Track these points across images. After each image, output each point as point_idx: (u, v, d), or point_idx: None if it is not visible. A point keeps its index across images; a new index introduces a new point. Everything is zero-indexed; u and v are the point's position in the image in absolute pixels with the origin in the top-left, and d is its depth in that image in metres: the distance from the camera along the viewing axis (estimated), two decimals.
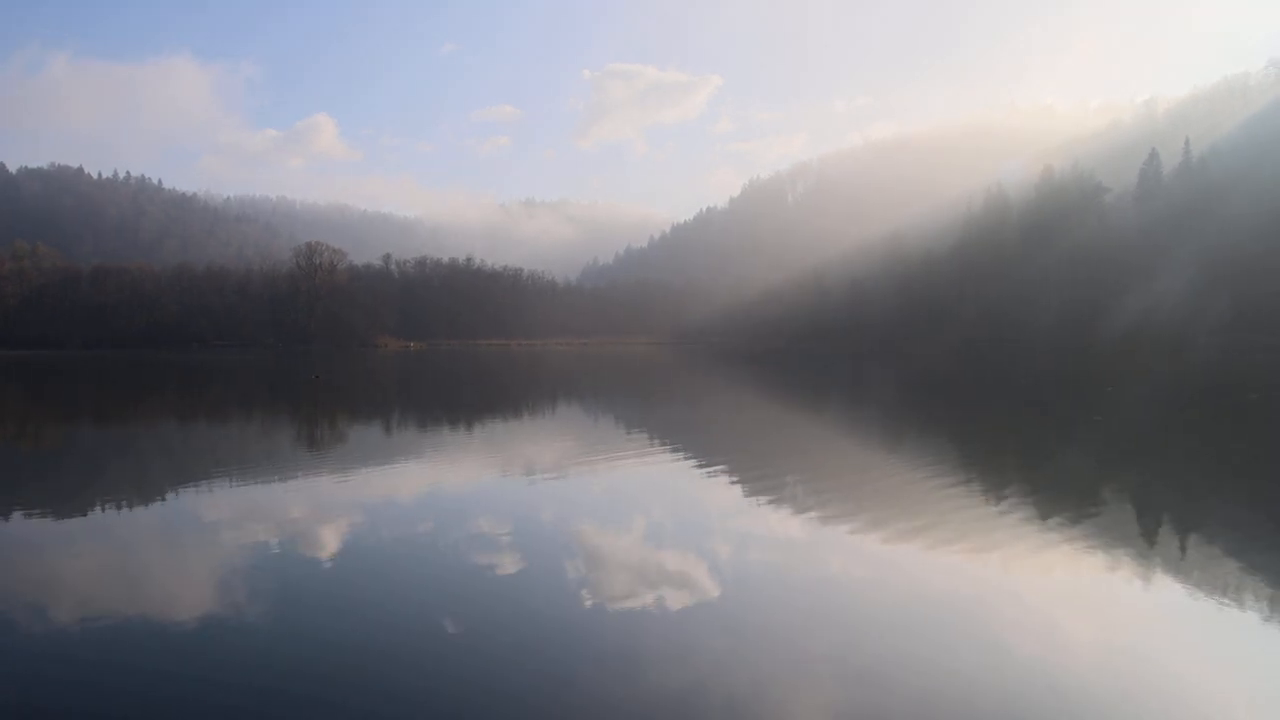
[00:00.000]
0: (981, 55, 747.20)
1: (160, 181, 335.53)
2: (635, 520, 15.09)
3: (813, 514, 15.31)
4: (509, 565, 11.82)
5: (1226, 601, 10.29)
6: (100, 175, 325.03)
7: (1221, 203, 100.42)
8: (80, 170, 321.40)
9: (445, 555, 12.49)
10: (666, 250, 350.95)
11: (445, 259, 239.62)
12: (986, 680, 8.06)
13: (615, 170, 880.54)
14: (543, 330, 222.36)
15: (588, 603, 10.26)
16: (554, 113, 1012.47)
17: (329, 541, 13.16)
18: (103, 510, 16.04)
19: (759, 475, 20.27)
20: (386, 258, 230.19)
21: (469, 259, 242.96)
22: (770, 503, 16.44)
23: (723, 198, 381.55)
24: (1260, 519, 15.38)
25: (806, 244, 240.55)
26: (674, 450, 24.25)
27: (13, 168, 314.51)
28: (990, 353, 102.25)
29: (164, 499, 17.19)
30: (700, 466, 21.13)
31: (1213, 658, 8.94)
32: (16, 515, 15.65)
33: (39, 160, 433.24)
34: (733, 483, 18.97)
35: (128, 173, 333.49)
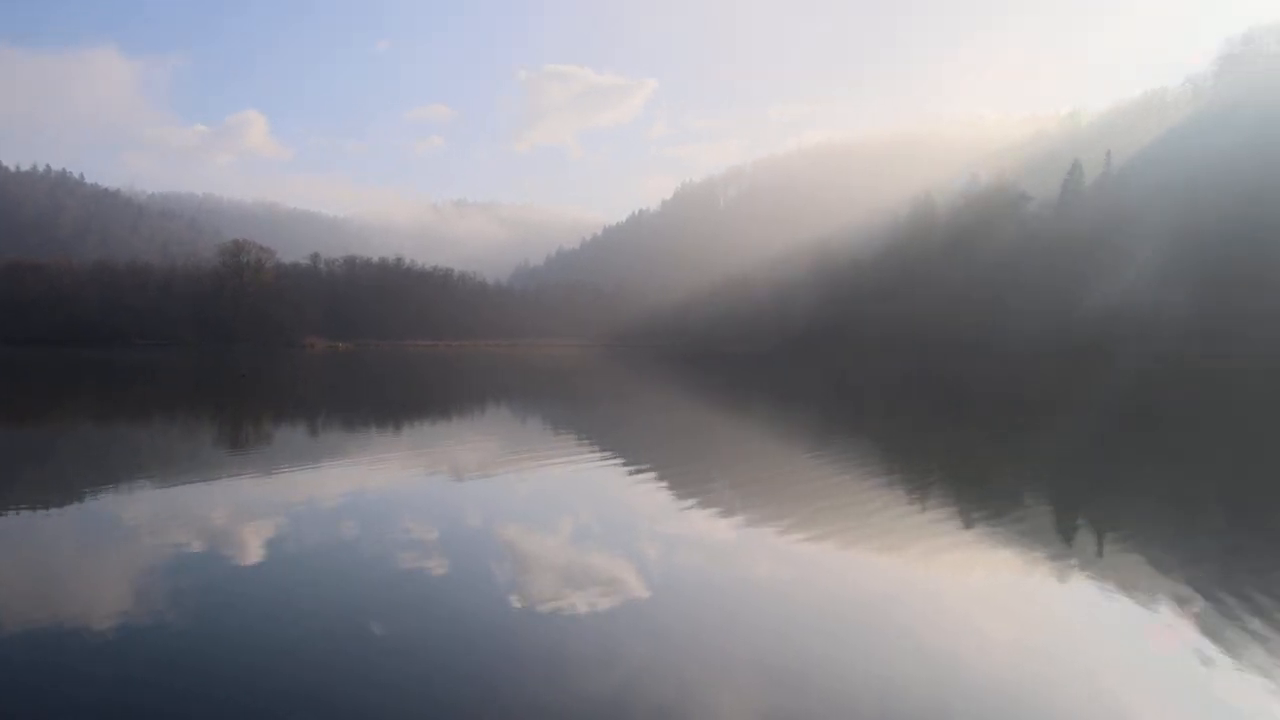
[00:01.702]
0: (916, 65, 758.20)
1: (83, 176, 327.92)
2: (563, 522, 15.12)
3: (738, 516, 15.46)
4: (436, 567, 11.81)
5: (1138, 602, 10.62)
6: (18, 168, 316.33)
7: (1138, 214, 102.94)
8: None
9: (371, 557, 12.42)
10: (598, 252, 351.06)
11: (375, 259, 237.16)
12: (904, 682, 8.21)
13: (549, 172, 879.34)
14: (473, 331, 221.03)
15: (515, 605, 10.25)
16: (489, 113, 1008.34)
17: (253, 544, 13.03)
18: (19, 513, 15.68)
19: (685, 477, 20.45)
20: (315, 257, 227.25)
21: (399, 259, 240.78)
22: (696, 505, 16.53)
23: (657, 202, 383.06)
24: (1175, 521, 15.87)
25: (737, 248, 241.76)
26: (602, 452, 24.34)
27: None
28: (916, 358, 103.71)
29: (83, 501, 16.83)
30: (627, 468, 21.18)
31: (1123, 657, 9.19)
32: None
33: None
34: (660, 485, 19.04)
35: (47, 166, 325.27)
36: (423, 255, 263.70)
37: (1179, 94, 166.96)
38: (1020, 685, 8.24)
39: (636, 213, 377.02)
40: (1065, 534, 14.73)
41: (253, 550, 12.70)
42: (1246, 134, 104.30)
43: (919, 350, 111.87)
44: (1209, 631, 9.47)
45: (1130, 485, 20.24)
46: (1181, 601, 10.52)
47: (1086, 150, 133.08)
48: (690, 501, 16.84)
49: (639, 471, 20.64)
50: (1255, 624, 9.63)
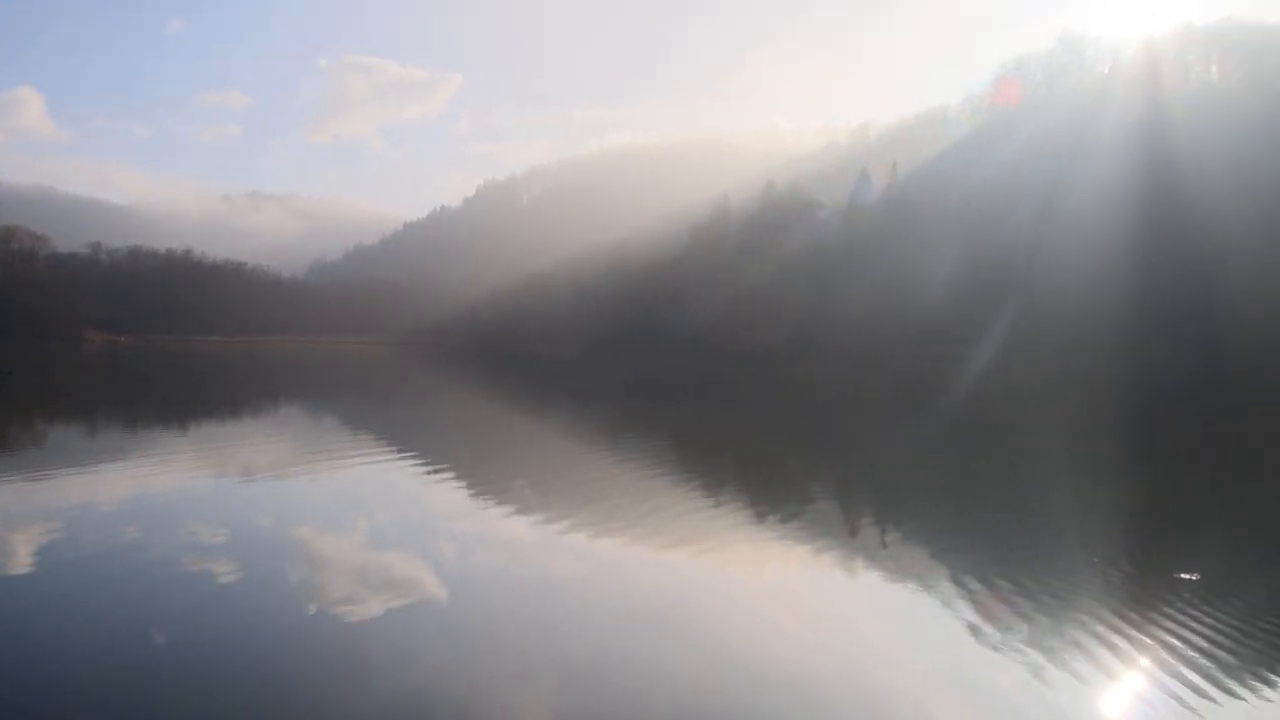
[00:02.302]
0: (716, 72, 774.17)
1: None
2: (359, 524, 14.88)
3: (535, 515, 15.53)
4: (226, 571, 11.42)
5: (916, 590, 11.30)
6: None
7: (917, 224, 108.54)
8: None
9: (158, 562, 11.88)
10: (398, 248, 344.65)
11: (161, 250, 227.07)
12: (696, 677, 8.46)
13: (350, 165, 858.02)
14: (266, 327, 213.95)
15: (310, 608, 10.08)
16: (287, 102, 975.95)
17: (24, 550, 12.28)
18: None
19: (483, 477, 20.43)
20: (95, 246, 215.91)
21: (187, 250, 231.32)
22: (494, 504, 16.57)
23: (460, 199, 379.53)
24: (950, 511, 16.90)
25: (538, 247, 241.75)
26: (399, 452, 24.08)
27: None
28: (711, 361, 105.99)
29: None
30: (426, 468, 21.04)
31: (902, 643, 9.73)
32: None
33: None
34: (458, 485, 19.00)
35: None
36: (213, 247, 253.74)
37: (959, 111, 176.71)
38: (803, 677, 8.58)
39: (438, 209, 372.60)
40: (851, 527, 15.54)
41: (29, 557, 12.04)
42: (1017, 153, 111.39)
43: (713, 353, 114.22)
44: (980, 615, 10.13)
45: (909, 478, 21.47)
46: (956, 588, 11.19)
47: (875, 161, 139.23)
48: (488, 501, 16.89)
49: (437, 471, 20.57)
50: (1023, 606, 10.37)
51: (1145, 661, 8.79)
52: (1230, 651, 8.98)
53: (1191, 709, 7.64)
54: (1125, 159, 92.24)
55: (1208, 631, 9.55)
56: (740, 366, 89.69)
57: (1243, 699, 7.92)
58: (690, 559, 13.05)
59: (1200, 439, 32.87)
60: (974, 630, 9.75)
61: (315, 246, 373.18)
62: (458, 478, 19.84)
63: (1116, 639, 9.28)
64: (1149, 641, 9.27)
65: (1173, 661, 8.69)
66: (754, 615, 10.67)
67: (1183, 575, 11.84)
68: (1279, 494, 20.03)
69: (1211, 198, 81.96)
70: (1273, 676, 8.39)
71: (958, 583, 11.47)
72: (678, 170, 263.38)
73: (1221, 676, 8.30)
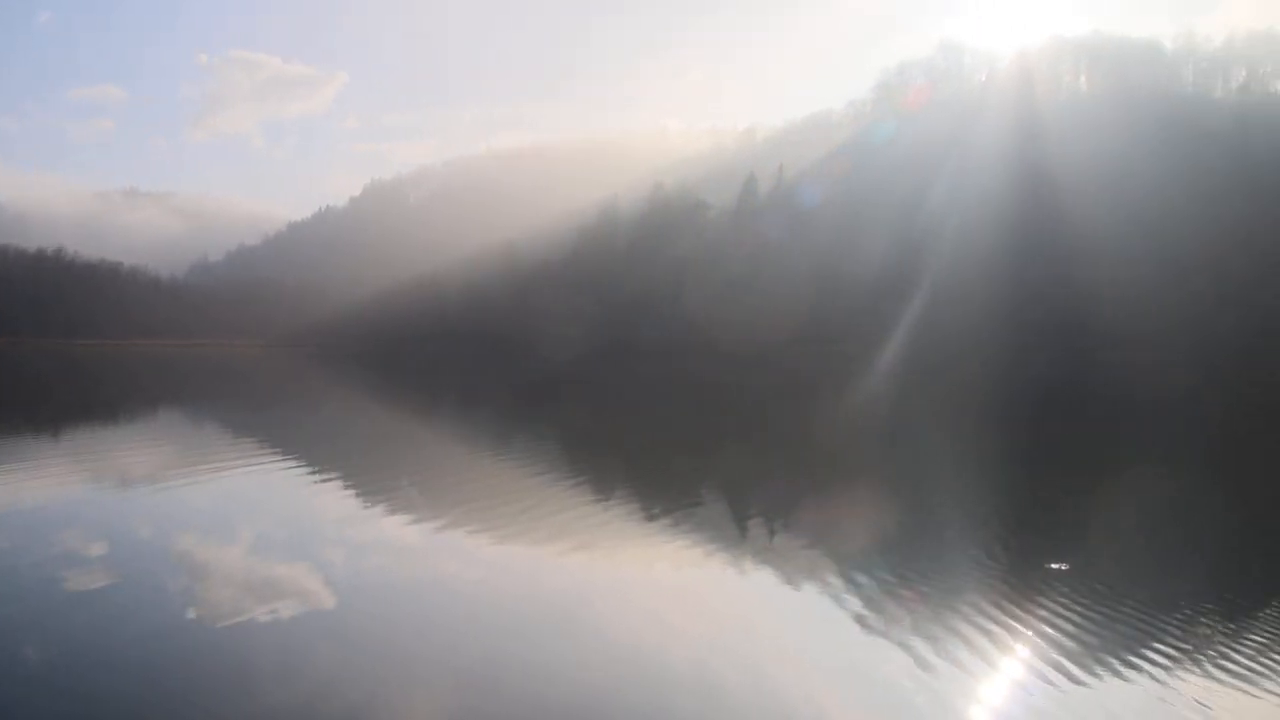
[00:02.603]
0: (608, 73, 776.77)
1: None
2: (243, 532, 14.56)
3: (425, 518, 15.47)
4: (104, 580, 11.14)
5: (801, 588, 11.60)
6: None
7: (804, 225, 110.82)
8: None
9: (29, 576, 11.40)
10: (282, 249, 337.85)
11: (31, 249, 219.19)
12: (589, 679, 8.56)
13: (232, 163, 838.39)
14: (145, 329, 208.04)
15: (194, 619, 9.82)
16: (166, 98, 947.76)
17: None
18: None
19: (372, 481, 20.27)
20: None
21: (59, 250, 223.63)
22: (383, 509, 16.45)
23: (346, 199, 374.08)
24: (837, 509, 17.38)
25: (427, 247, 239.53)
26: (284, 457, 23.63)
27: None
28: (601, 360, 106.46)
29: None
30: (312, 474, 20.74)
31: (790, 639, 10.02)
32: None
33: None
34: (346, 490, 18.79)
35: None
36: (88, 247, 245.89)
37: (843, 116, 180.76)
38: (698, 677, 8.68)
39: (324, 208, 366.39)
40: (740, 525, 15.86)
41: None
42: (901, 156, 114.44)
43: (604, 352, 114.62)
44: (862, 610, 10.49)
45: (793, 476, 21.99)
46: (840, 584, 11.52)
47: (762, 164, 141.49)
48: (377, 506, 16.72)
49: (323, 476, 20.33)
50: (898, 601, 10.73)
51: (1015, 647, 9.25)
52: (1094, 634, 9.53)
53: (1039, 700, 8.06)
54: (1002, 165, 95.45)
55: (1075, 616, 10.12)
56: (634, 365, 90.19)
57: (1099, 680, 8.41)
58: (583, 560, 13.17)
59: (1072, 441, 34.21)
60: (854, 625, 10.13)
61: (196, 246, 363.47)
62: (345, 483, 19.63)
63: (978, 632, 9.68)
64: (1019, 628, 9.76)
65: (1039, 647, 9.17)
66: (646, 614, 10.84)
67: (1053, 565, 12.47)
68: (1141, 490, 21.03)
69: (1081, 204, 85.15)
70: (1122, 658, 8.88)
71: (839, 579, 11.81)
72: (568, 171, 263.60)
73: (1083, 659, 8.80)
